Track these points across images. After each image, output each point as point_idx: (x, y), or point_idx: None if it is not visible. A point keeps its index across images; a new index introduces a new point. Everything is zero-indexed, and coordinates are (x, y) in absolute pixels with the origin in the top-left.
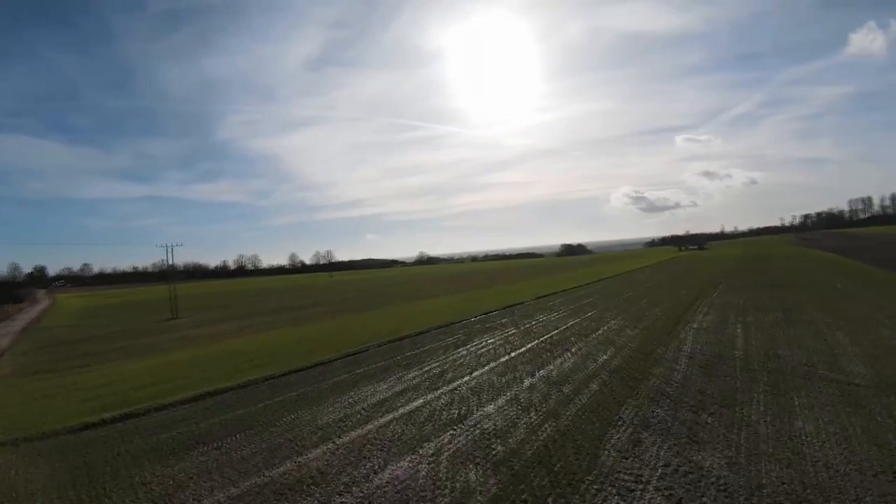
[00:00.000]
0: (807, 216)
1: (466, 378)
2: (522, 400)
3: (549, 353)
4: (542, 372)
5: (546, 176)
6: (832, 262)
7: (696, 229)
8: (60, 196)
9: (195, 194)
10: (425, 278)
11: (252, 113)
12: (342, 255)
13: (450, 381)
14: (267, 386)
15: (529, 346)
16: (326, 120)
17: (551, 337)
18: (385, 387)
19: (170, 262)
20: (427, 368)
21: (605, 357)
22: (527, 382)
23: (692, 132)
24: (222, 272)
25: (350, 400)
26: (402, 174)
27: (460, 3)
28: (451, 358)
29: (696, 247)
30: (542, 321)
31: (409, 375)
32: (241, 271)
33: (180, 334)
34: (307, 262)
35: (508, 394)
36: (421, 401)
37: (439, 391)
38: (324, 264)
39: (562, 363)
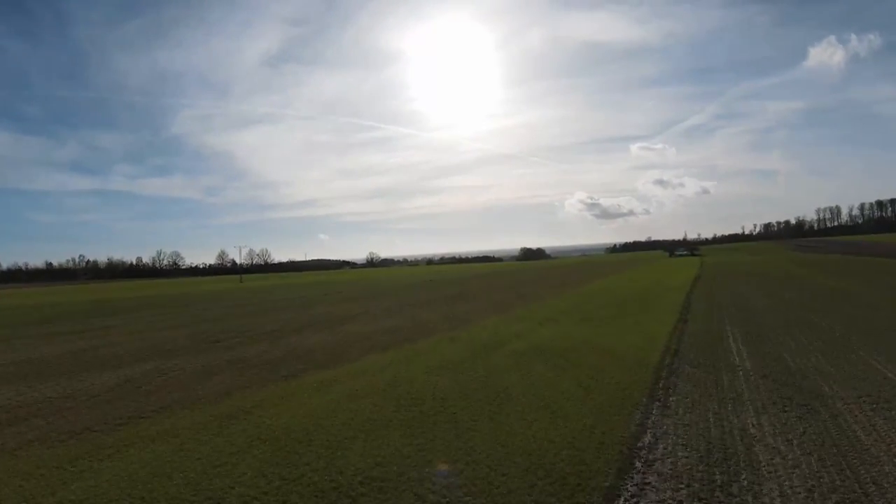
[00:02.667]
0: (767, 225)
1: None
2: None
3: None
4: None
5: (502, 181)
6: None
7: (655, 236)
8: (6, 186)
9: (145, 189)
10: (372, 290)
11: (206, 108)
12: (295, 255)
13: None
14: None
15: None
16: (282, 118)
17: None
18: None
19: None
20: None
21: None
22: None
23: (647, 142)
24: (132, 271)
25: None
26: (357, 175)
27: (421, 6)
28: None
29: (686, 252)
30: None
31: None
32: (157, 271)
33: None
34: (240, 260)
35: None
36: None
37: None
38: (259, 265)
39: None
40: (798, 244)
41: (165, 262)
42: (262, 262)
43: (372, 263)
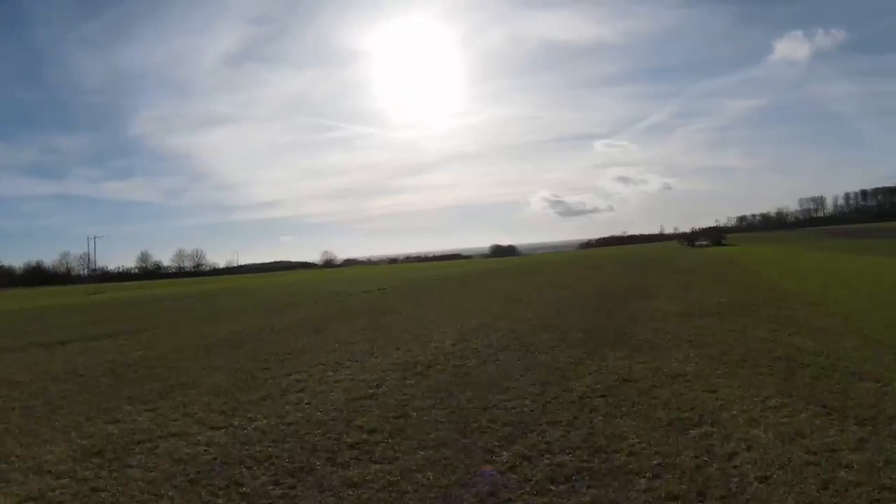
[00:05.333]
0: (741, 218)
1: None
2: None
3: None
4: None
5: (466, 180)
6: None
7: (620, 232)
8: None
9: (105, 193)
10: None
11: (166, 108)
12: (256, 257)
13: None
14: None
15: None
16: (243, 117)
17: None
18: None
19: None
20: None
21: None
22: None
23: (609, 139)
24: (35, 276)
25: None
26: (320, 175)
27: (384, 5)
28: None
29: (708, 242)
30: None
31: None
32: (61, 276)
33: None
34: (92, 261)
35: None
36: None
37: None
38: (190, 270)
39: None
40: (829, 232)
41: (75, 265)
42: (196, 265)
43: (329, 264)
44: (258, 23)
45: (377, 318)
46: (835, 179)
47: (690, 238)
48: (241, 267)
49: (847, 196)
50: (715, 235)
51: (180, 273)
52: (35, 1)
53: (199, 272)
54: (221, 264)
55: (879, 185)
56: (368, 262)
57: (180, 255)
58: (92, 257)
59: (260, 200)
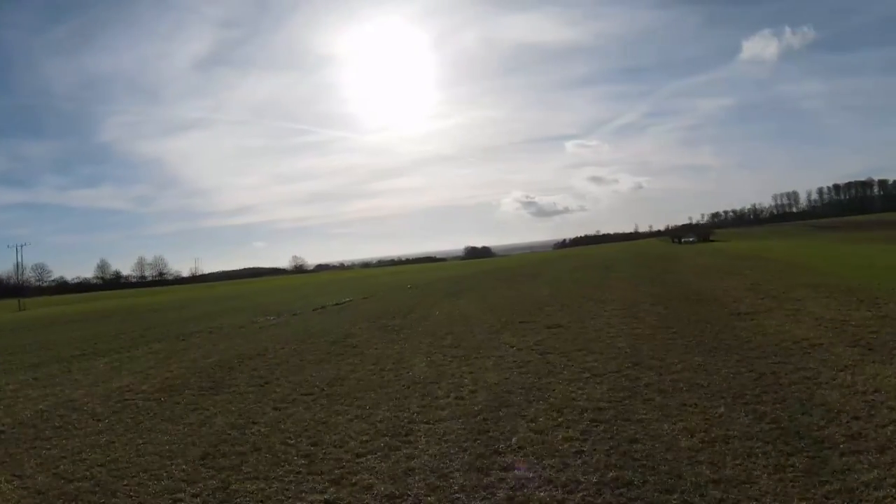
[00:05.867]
0: (715, 214)
1: None
2: None
3: None
4: None
5: (441, 182)
6: None
7: (594, 231)
8: None
9: (75, 201)
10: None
11: (135, 114)
12: (229, 264)
13: None
14: None
15: None
16: (214, 122)
17: None
18: None
19: None
20: None
21: None
22: None
23: (581, 139)
24: None
25: None
26: (293, 180)
27: (356, 8)
28: None
29: (695, 238)
30: None
31: None
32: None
33: None
34: (21, 271)
35: None
36: None
37: None
38: (152, 279)
39: None
40: (819, 226)
41: (30, 276)
42: (158, 274)
43: (300, 270)
44: (227, 26)
45: (317, 368)
46: (806, 175)
47: (676, 235)
48: (206, 275)
49: (821, 191)
50: (702, 232)
51: (141, 283)
52: (1, 5)
53: (161, 281)
54: (186, 272)
55: (852, 179)
56: (341, 267)
57: (141, 263)
58: (21, 266)
59: (232, 206)
